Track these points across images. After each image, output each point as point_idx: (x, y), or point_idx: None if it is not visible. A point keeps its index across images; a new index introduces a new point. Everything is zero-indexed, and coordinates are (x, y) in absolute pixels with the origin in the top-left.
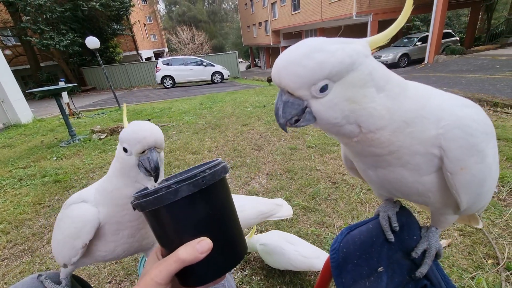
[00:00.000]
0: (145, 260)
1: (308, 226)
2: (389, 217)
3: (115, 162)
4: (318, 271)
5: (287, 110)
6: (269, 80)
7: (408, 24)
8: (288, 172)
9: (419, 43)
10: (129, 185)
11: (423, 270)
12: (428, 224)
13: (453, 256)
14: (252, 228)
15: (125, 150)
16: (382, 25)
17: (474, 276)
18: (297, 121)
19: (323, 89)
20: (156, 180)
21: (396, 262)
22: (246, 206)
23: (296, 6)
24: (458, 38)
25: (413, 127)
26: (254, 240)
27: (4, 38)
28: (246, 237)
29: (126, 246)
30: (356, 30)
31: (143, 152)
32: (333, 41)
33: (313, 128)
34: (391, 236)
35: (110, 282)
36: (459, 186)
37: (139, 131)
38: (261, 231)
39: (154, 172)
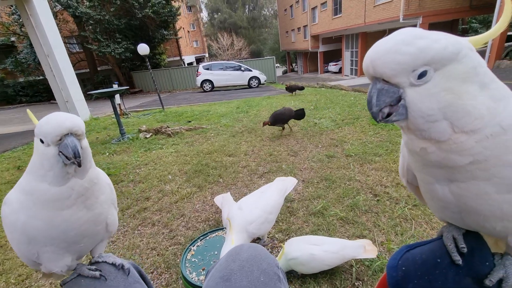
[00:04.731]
0: (187, 255)
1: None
2: (454, 238)
3: (33, 159)
4: (356, 272)
5: (381, 98)
6: (289, 89)
7: (463, 26)
8: (325, 180)
9: None
10: (50, 182)
11: None
12: (502, 252)
13: None
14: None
15: (42, 141)
16: (432, 29)
17: None
18: (388, 115)
19: (422, 75)
20: (79, 166)
21: None
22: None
23: (337, 10)
24: None
25: (510, 135)
26: (283, 260)
27: (70, 46)
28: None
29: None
30: None
31: (60, 140)
32: (434, 32)
33: (353, 136)
34: (458, 258)
35: (152, 273)
36: None
37: (52, 119)
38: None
39: (75, 157)
